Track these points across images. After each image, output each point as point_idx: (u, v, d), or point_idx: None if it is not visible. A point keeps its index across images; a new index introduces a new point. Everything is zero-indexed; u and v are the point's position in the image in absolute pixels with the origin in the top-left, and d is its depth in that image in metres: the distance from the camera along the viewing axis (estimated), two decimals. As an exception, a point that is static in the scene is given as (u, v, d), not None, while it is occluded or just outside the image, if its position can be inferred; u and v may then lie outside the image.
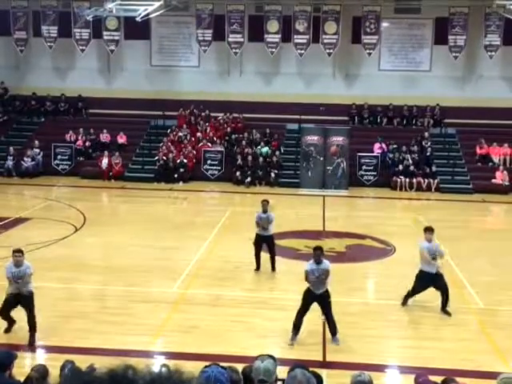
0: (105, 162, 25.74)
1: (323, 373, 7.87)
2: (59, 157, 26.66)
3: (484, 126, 26.70)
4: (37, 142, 26.64)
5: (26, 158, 25.96)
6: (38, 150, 26.43)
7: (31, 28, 28.71)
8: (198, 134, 27.28)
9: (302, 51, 27.37)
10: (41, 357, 9.62)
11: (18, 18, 28.48)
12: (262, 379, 4.54)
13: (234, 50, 27.88)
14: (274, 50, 27.63)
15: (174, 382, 1.18)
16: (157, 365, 1.29)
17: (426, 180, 25.01)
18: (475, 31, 26.83)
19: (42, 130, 28.24)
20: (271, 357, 4.81)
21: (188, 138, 27.15)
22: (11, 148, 26.27)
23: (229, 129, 27.65)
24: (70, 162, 26.61)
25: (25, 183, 24.87)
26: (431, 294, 12.64)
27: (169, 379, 1.18)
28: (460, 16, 26.88)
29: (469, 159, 26.35)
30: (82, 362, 5.66)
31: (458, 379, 7.03)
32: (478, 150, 26.24)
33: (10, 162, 25.96)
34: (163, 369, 1.25)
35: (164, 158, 25.87)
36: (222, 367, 4.00)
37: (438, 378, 6.91)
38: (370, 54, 27.47)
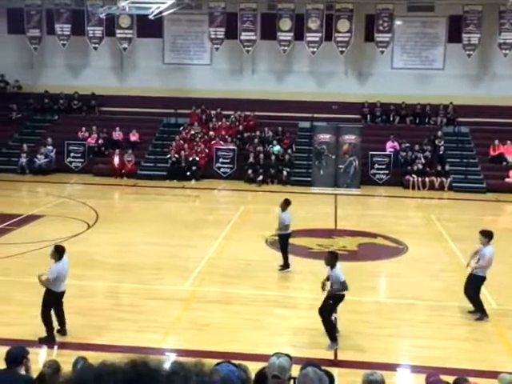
0: (116, 159, 25.84)
1: (335, 371, 7.85)
2: (72, 154, 26.78)
3: (498, 125, 26.54)
4: (50, 140, 26.79)
5: (39, 156, 26.11)
6: (51, 147, 26.59)
7: (45, 26, 28.87)
8: (211, 133, 27.31)
9: (315, 49, 27.31)
10: (53, 353, 9.69)
11: (32, 16, 28.65)
12: (275, 375, 4.56)
13: (246, 48, 27.87)
14: (286, 48, 27.59)
15: (196, 373, 1.18)
16: (169, 362, 1.29)
17: (439, 179, 24.88)
18: (489, 29, 26.64)
19: (55, 128, 28.38)
20: (287, 355, 4.84)
21: (200, 135, 27.18)
22: (25, 145, 26.44)
23: (241, 127, 27.65)
24: (82, 160, 26.74)
25: (38, 180, 25.01)
26: (442, 294, 12.61)
27: (190, 370, 1.18)
28: (474, 14, 26.71)
29: (482, 158, 26.17)
30: (95, 358, 5.68)
31: (471, 379, 7.00)
32: (492, 152, 26.03)
33: (23, 160, 26.11)
34: (185, 360, 1.25)
35: (176, 155, 25.93)
36: (234, 365, 4.01)
37: (450, 378, 6.88)
38: (382, 52, 27.36)
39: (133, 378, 1.16)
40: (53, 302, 9.97)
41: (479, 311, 11.25)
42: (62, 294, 10.03)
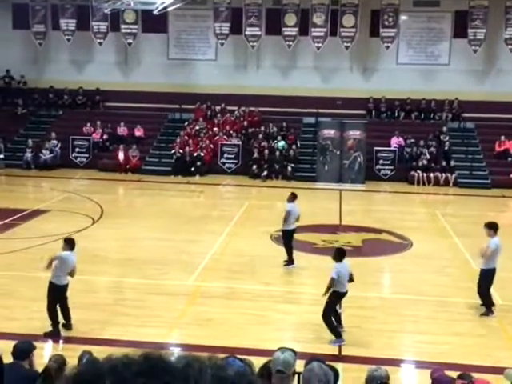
0: (121, 155, 25.85)
1: (339, 367, 7.85)
2: (77, 149, 26.81)
3: (503, 121, 26.45)
4: (54, 135, 26.82)
5: (44, 151, 26.15)
6: (55, 142, 26.62)
7: (50, 21, 28.88)
8: (215, 128, 27.29)
9: (320, 44, 27.24)
10: (58, 347, 9.72)
11: (37, 11, 28.65)
12: (279, 370, 4.56)
13: (251, 44, 27.83)
14: (291, 43, 27.53)
15: (211, 366, 1.18)
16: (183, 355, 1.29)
17: (444, 174, 24.82)
18: (495, 24, 26.52)
19: (60, 123, 28.42)
20: (292, 350, 4.84)
21: (205, 131, 27.18)
22: (30, 140, 26.48)
23: (245, 122, 27.63)
24: (87, 155, 26.76)
25: (43, 175, 25.06)
26: (446, 290, 12.59)
27: (205, 364, 1.18)
28: (480, 9, 26.59)
29: (487, 154, 26.10)
30: (100, 352, 5.70)
31: (475, 375, 6.99)
32: (497, 148, 25.95)
33: (28, 155, 26.15)
34: (198, 354, 1.26)
35: (181, 151, 25.93)
36: (239, 359, 4.01)
37: (455, 374, 6.88)
38: (388, 47, 27.27)
39: (147, 370, 1.16)
40: (56, 295, 10.02)
41: (486, 306, 11.23)
42: (65, 287, 10.06)
